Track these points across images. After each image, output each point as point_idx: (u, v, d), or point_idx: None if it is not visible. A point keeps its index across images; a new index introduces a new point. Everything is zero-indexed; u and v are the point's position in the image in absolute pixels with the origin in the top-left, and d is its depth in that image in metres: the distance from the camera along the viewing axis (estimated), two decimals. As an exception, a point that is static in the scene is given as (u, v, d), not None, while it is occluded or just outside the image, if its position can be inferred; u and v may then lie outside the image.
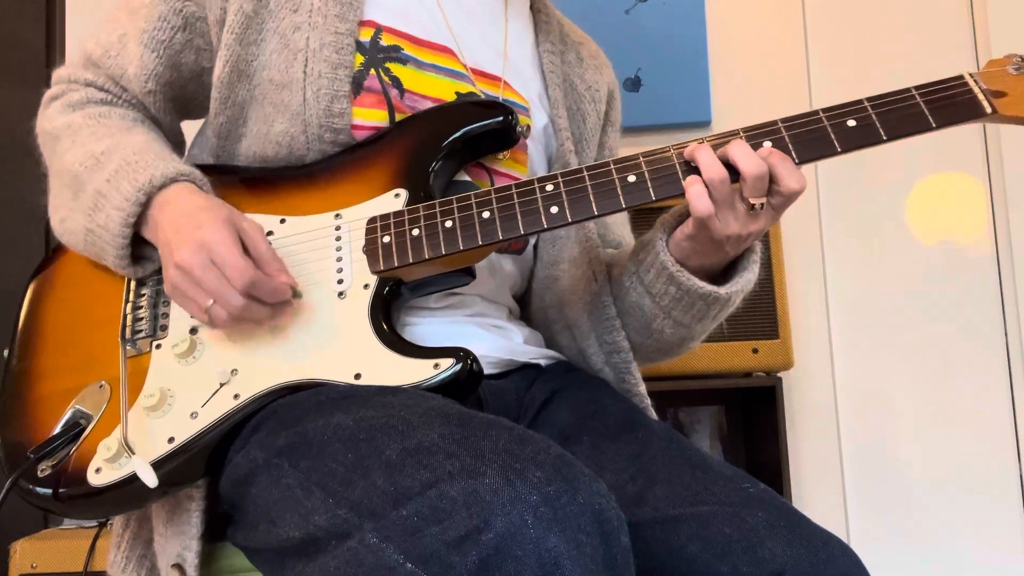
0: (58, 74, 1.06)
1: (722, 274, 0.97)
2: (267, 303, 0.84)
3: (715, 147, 0.86)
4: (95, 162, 0.92)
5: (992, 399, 2.05)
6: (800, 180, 0.85)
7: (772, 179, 0.85)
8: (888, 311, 2.09)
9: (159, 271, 0.94)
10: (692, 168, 0.87)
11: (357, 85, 0.94)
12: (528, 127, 1.04)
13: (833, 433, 2.07)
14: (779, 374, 1.81)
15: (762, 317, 1.76)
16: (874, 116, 0.85)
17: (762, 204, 0.85)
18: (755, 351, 1.76)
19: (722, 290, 0.94)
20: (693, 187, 0.86)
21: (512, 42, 1.09)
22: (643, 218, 1.28)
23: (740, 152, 0.84)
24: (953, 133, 2.13)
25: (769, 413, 1.81)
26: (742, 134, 0.87)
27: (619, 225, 1.17)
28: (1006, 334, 2.06)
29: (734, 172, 0.85)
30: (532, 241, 1.09)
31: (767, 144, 0.86)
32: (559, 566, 0.58)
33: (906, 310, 2.08)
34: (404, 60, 0.97)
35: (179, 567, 0.85)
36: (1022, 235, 2.07)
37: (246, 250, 0.84)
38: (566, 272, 1.06)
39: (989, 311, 2.07)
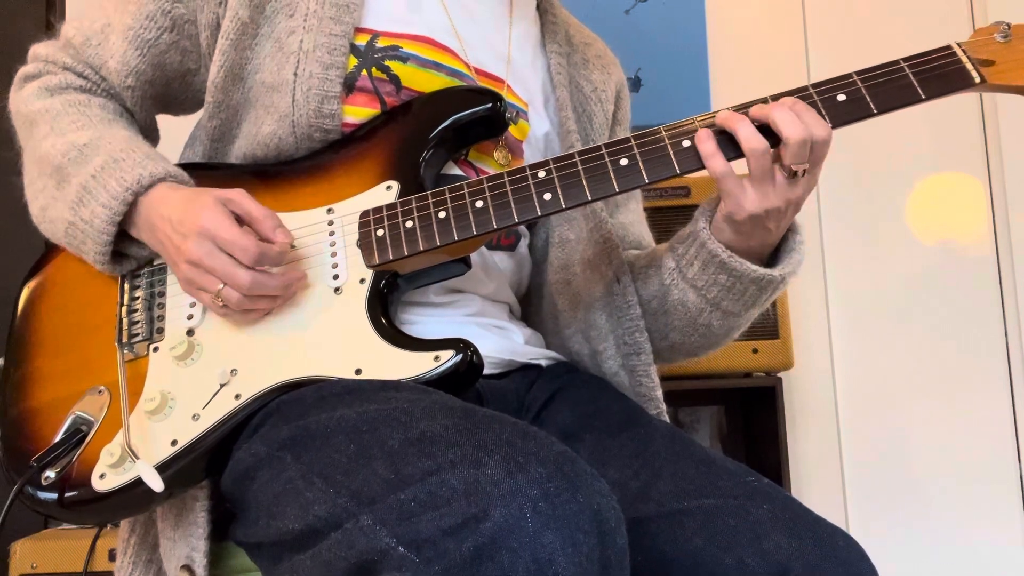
0: (35, 51, 1.04)
1: (767, 263, 0.94)
2: (274, 278, 0.84)
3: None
4: (78, 154, 0.91)
5: (992, 398, 2.05)
6: (825, 128, 0.82)
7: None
8: (888, 311, 2.09)
9: (151, 271, 0.94)
10: (692, 147, 0.85)
11: (349, 86, 0.94)
12: (517, 113, 1.03)
13: (833, 433, 2.08)
14: (779, 374, 1.81)
15: (762, 317, 1.74)
16: (864, 90, 0.84)
17: (804, 170, 0.82)
18: (755, 351, 1.76)
19: (776, 271, 0.91)
20: (705, 145, 0.83)
21: (515, 45, 1.08)
22: (657, 217, 1.26)
23: (783, 117, 0.81)
24: (953, 133, 2.16)
25: (769, 413, 1.81)
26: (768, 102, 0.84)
27: (637, 224, 1.15)
28: (1006, 333, 2.07)
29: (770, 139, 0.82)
30: (525, 239, 1.08)
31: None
32: (553, 563, 0.58)
33: (906, 310, 2.09)
34: (404, 58, 0.96)
35: (188, 568, 0.85)
36: (1022, 235, 2.07)
37: (240, 221, 0.85)
38: (579, 275, 1.04)
39: (989, 310, 2.07)
